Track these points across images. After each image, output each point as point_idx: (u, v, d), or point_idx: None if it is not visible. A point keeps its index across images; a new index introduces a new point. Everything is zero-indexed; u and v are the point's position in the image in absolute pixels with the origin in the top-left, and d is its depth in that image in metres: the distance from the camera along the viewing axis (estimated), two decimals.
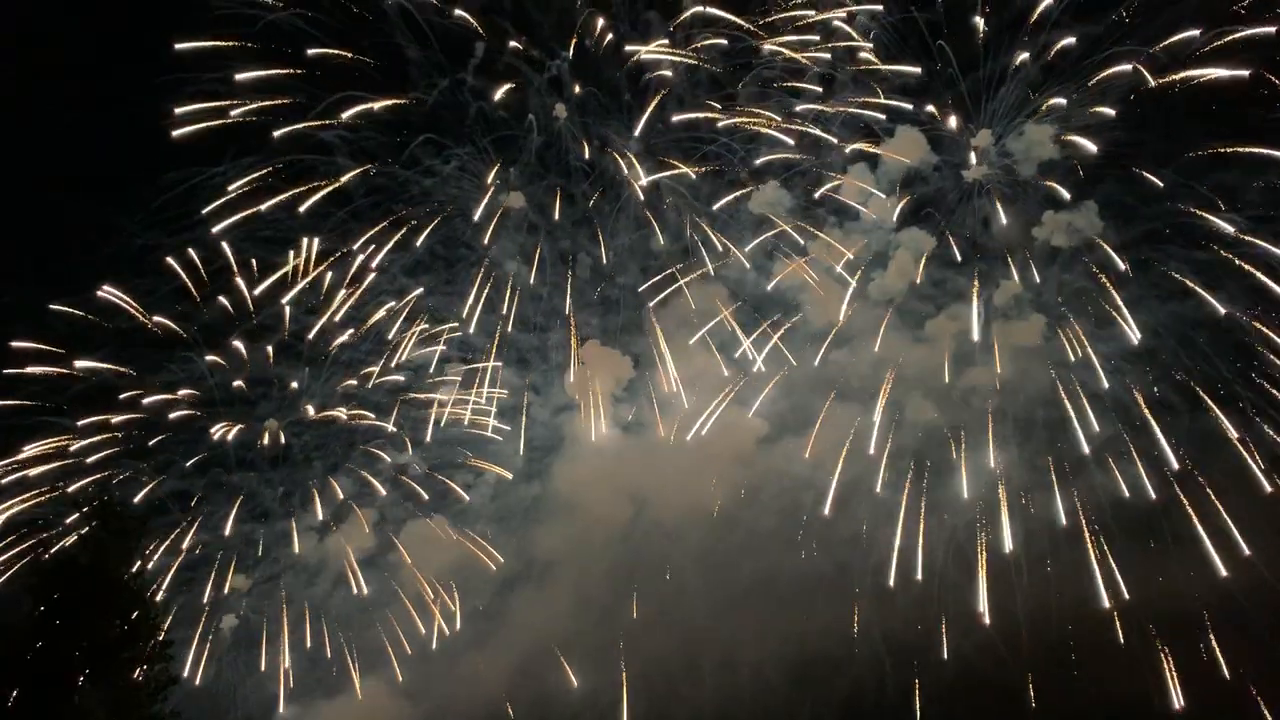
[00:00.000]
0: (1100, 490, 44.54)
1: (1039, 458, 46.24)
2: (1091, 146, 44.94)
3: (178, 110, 44.20)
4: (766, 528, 49.61)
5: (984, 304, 48.09)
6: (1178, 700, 42.43)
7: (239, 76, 44.94)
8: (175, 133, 44.21)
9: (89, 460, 46.18)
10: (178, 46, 43.70)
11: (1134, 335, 44.47)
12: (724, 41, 48.05)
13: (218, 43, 44.26)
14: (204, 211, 45.86)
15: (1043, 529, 45.00)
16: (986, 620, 44.24)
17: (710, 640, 49.23)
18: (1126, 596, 43.07)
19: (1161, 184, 44.04)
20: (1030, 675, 43.91)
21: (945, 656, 45.04)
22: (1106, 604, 43.08)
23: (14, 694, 25.16)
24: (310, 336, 49.10)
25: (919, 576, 45.51)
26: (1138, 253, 45.51)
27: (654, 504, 51.55)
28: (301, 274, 48.34)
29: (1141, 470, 44.02)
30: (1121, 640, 43.10)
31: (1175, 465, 43.37)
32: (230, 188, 45.74)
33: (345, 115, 46.91)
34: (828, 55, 47.55)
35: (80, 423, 46.08)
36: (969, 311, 48.10)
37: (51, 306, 45.61)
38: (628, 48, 48.29)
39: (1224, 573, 41.59)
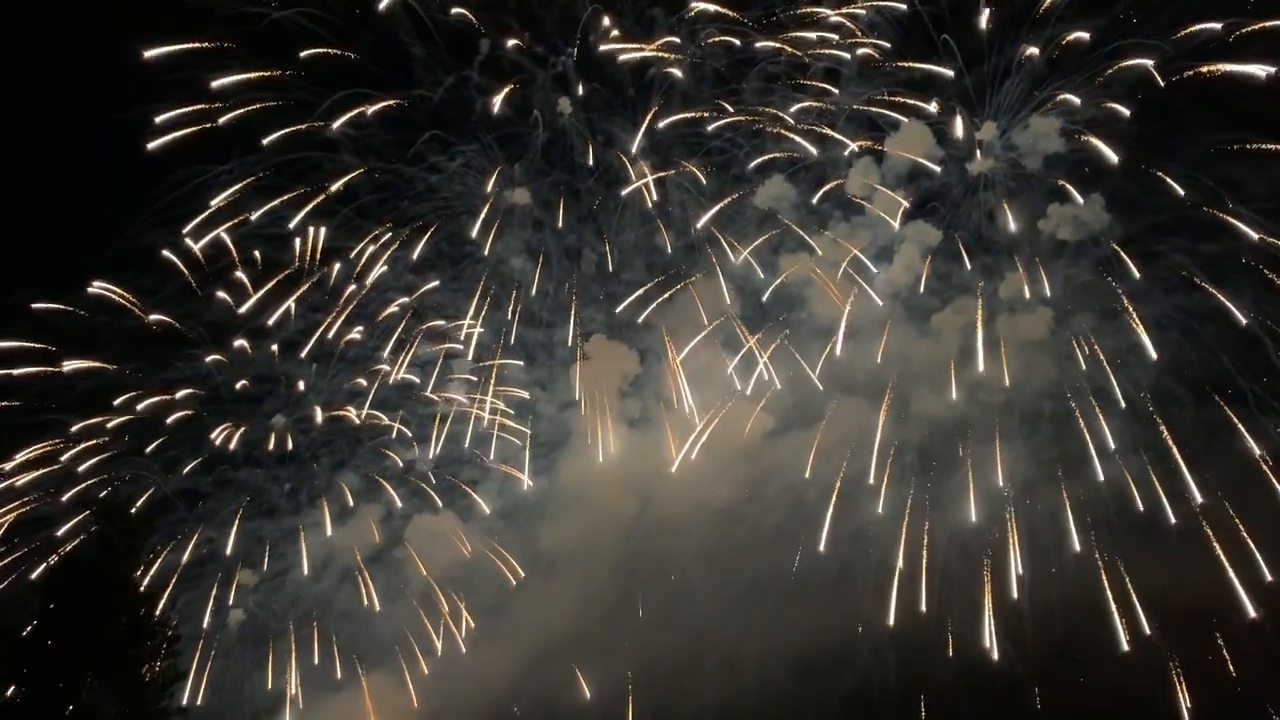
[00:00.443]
0: (1107, 486, 44.44)
1: (1045, 452, 46.29)
2: (1113, 156, 44.21)
3: (158, 119, 43.91)
4: (772, 523, 49.67)
5: (989, 298, 47.98)
6: (1185, 701, 42.38)
7: (238, 77, 44.94)
8: (150, 145, 43.93)
9: (91, 460, 46.45)
10: (148, 54, 43.25)
11: (1152, 352, 44.08)
12: (734, 40, 48.04)
13: (216, 44, 44.43)
14: (199, 219, 46.15)
15: (1048, 525, 44.94)
16: (995, 656, 44.04)
17: (715, 636, 49.36)
18: (1147, 631, 42.64)
19: (1179, 188, 43.40)
20: (1035, 673, 43.98)
21: (950, 654, 45.14)
22: (1126, 646, 42.76)
23: (21, 692, 25.42)
24: (316, 334, 49.23)
25: (923, 576, 45.46)
26: (1145, 246, 45.27)
27: (659, 499, 51.61)
28: (307, 272, 48.62)
29: (1156, 482, 43.73)
30: (1126, 646, 42.97)
31: (1200, 498, 42.63)
32: (232, 189, 46.05)
33: (350, 113, 47.06)
34: (832, 51, 47.48)
35: (82, 423, 46.29)
36: (975, 305, 48.06)
37: (34, 306, 45.63)
38: (609, 47, 48.28)
39: (1253, 614, 40.79)
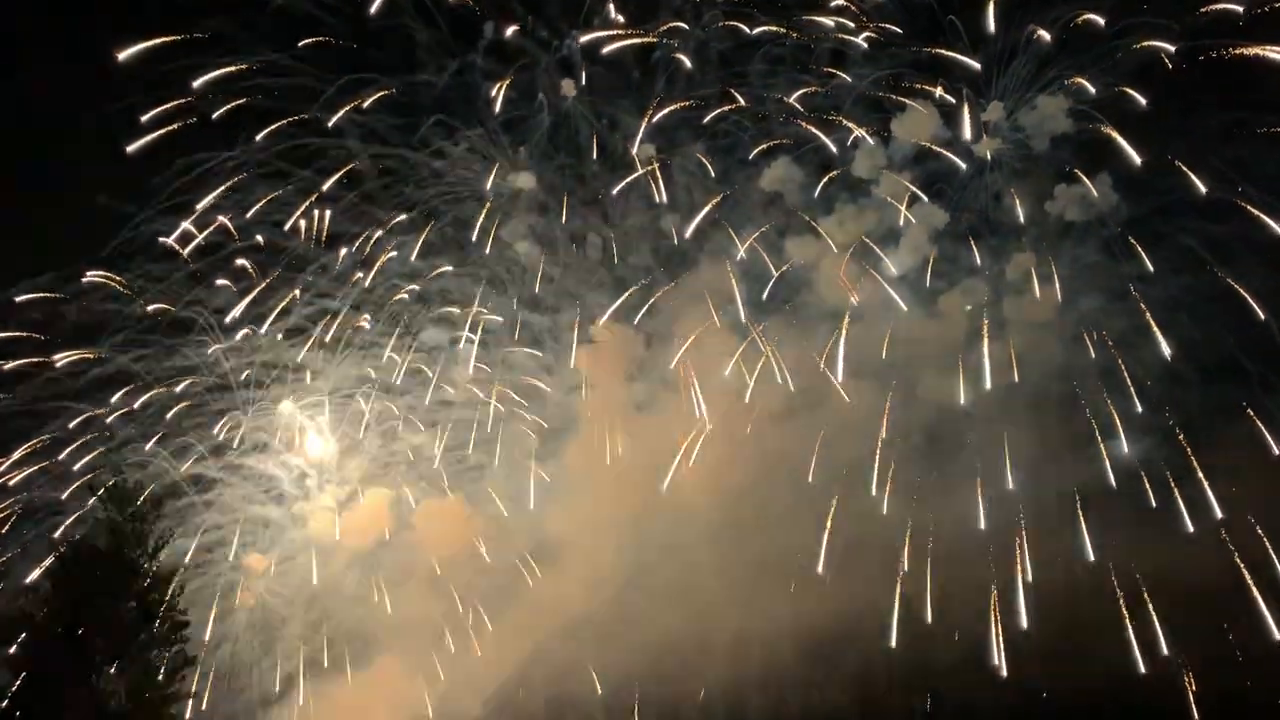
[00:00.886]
0: (1115, 473, 44.38)
1: (1052, 435, 46.03)
2: (1137, 158, 43.58)
3: (143, 118, 43.88)
4: (779, 507, 49.65)
5: (996, 279, 47.77)
6: (1191, 686, 42.29)
7: (233, 69, 44.89)
8: (130, 147, 43.82)
9: (97, 450, 46.90)
10: (132, 49, 43.01)
11: (1165, 346, 43.61)
12: (740, 25, 47.75)
13: (220, 32, 44.47)
14: (202, 207, 46.43)
15: (1053, 511, 44.81)
16: (1004, 673, 43.79)
17: (721, 616, 49.41)
18: (1165, 652, 42.34)
19: (1189, 170, 42.63)
20: (1041, 660, 43.94)
21: (956, 637, 45.15)
22: (1143, 669, 42.43)
23: (33, 677, 25.73)
24: (322, 321, 49.42)
25: (928, 562, 45.55)
26: (1153, 227, 44.85)
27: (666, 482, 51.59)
28: (312, 258, 48.69)
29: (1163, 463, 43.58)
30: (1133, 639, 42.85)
31: (1219, 514, 41.96)
32: (236, 177, 46.30)
33: (354, 100, 46.98)
34: (840, 33, 47.12)
35: (90, 413, 46.69)
36: (981, 287, 47.88)
37: (20, 300, 45.78)
38: (595, 35, 47.96)
39: (1278, 635, 40.52)
